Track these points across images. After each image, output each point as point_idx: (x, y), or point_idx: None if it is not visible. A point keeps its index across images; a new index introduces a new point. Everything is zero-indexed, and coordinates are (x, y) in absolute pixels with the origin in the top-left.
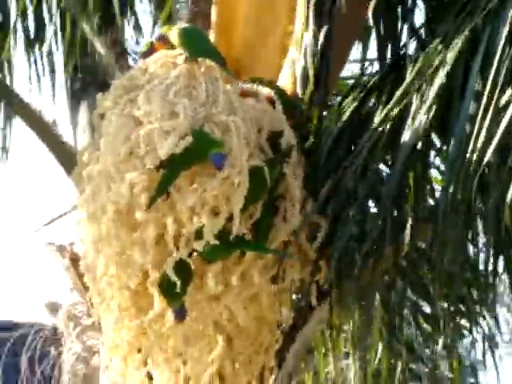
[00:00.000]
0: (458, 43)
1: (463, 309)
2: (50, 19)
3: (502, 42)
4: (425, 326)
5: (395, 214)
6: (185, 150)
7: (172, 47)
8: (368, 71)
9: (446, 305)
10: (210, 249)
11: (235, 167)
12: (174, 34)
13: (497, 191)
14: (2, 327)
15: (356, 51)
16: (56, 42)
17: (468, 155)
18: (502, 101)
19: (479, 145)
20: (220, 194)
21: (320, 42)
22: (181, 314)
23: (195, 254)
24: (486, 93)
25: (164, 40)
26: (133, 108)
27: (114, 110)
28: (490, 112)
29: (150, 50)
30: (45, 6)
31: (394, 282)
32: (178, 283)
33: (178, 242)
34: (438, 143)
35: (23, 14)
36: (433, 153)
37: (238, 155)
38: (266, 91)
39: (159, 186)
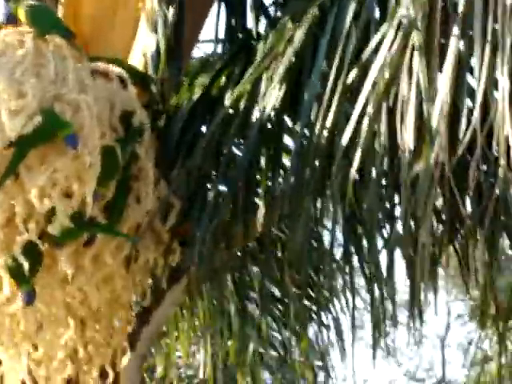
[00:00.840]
0: (306, 21)
1: (313, 294)
2: None
3: (348, 21)
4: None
5: (246, 195)
6: (34, 129)
7: (20, 25)
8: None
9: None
10: (61, 231)
11: (87, 147)
12: (21, 12)
13: (343, 171)
14: None
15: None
16: None
17: (316, 135)
18: (348, 80)
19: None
20: (71, 174)
21: (171, 18)
22: (29, 298)
23: (46, 236)
24: (333, 72)
25: (12, 19)
26: None
27: None
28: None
29: None
30: None
31: (245, 264)
32: (27, 266)
33: (28, 224)
34: (289, 123)
35: None
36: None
37: (89, 134)
38: (116, 70)
39: (8, 166)
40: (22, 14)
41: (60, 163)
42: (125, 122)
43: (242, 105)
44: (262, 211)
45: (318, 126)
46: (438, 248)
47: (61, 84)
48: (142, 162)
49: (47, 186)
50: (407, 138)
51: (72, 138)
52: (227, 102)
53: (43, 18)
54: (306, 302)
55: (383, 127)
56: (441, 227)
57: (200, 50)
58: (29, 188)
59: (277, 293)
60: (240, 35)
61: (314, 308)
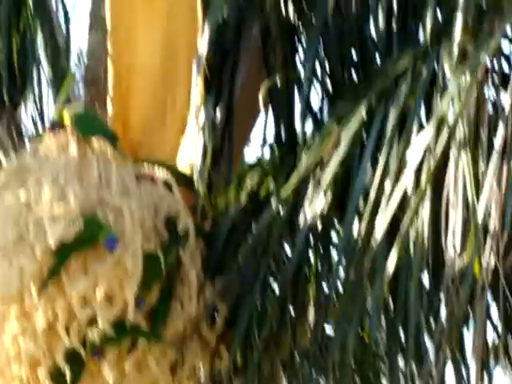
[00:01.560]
0: (352, 125)
1: None
2: None
3: (393, 123)
4: None
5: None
6: (75, 235)
7: (65, 129)
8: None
9: None
10: (103, 337)
11: (128, 251)
12: (66, 116)
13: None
14: None
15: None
16: None
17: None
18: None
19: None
20: (113, 279)
21: (219, 121)
22: None
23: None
24: (376, 182)
25: (56, 125)
26: (23, 192)
27: (4, 194)
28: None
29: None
30: None
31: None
32: (69, 373)
33: (70, 329)
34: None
35: None
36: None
37: (131, 239)
38: (162, 174)
39: (50, 271)
40: (67, 119)
41: (101, 269)
42: (170, 226)
43: (288, 207)
44: (312, 313)
45: (362, 228)
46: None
47: (104, 189)
48: (186, 267)
49: (88, 292)
50: (453, 239)
51: (111, 241)
52: (274, 204)
53: (88, 122)
54: None
55: (426, 227)
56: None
57: (249, 152)
58: (70, 293)
59: None
60: (287, 138)
61: None
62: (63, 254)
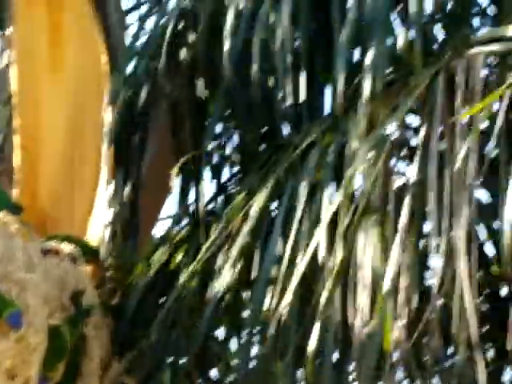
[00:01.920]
0: (261, 197)
1: None
2: None
3: (303, 197)
4: None
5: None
6: None
7: None
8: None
9: None
10: None
11: (32, 327)
12: None
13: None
14: None
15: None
16: None
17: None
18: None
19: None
20: (16, 356)
21: (128, 196)
22: None
23: None
24: (287, 254)
25: None
26: None
27: None
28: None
29: None
30: None
31: None
32: None
33: None
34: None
35: None
36: None
37: (35, 314)
38: (68, 249)
39: None
40: None
41: (4, 345)
42: (76, 300)
43: (198, 280)
44: None
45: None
46: None
47: (7, 262)
48: (90, 342)
49: None
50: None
51: (15, 317)
52: (183, 277)
53: None
54: None
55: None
56: None
57: (160, 227)
58: None
59: None
60: (196, 212)
61: None
62: None
